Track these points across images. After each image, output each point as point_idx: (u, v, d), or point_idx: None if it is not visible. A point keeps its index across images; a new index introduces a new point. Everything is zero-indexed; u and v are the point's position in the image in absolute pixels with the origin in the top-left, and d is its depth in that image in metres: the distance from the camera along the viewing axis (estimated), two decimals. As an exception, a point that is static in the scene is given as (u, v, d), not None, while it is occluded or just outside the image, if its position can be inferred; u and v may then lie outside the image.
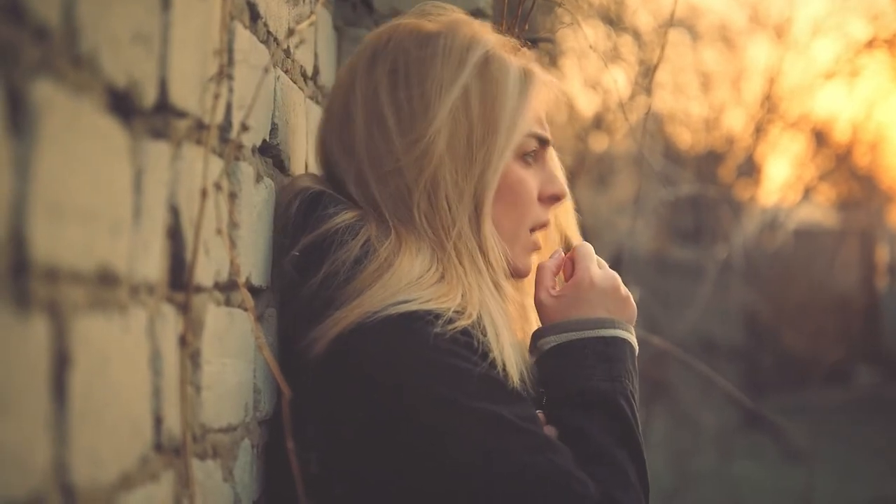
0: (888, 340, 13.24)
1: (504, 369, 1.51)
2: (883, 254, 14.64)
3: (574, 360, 1.61)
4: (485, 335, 1.52)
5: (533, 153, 1.66)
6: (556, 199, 1.69)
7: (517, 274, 1.67)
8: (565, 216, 1.77)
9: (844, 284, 12.98)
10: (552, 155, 1.73)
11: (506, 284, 1.63)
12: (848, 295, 12.82)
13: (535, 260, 1.72)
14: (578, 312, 1.64)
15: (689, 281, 7.87)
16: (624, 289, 1.68)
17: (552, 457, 1.49)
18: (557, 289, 1.68)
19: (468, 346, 1.49)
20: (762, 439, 9.03)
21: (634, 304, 1.70)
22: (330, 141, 1.66)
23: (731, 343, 10.42)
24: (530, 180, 1.65)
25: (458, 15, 1.69)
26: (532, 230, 1.68)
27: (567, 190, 1.71)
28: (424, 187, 1.59)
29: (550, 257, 1.71)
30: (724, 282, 8.18)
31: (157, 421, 1.17)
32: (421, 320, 1.48)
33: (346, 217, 1.59)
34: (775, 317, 10.83)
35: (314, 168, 1.95)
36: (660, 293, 7.58)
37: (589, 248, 1.71)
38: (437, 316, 1.48)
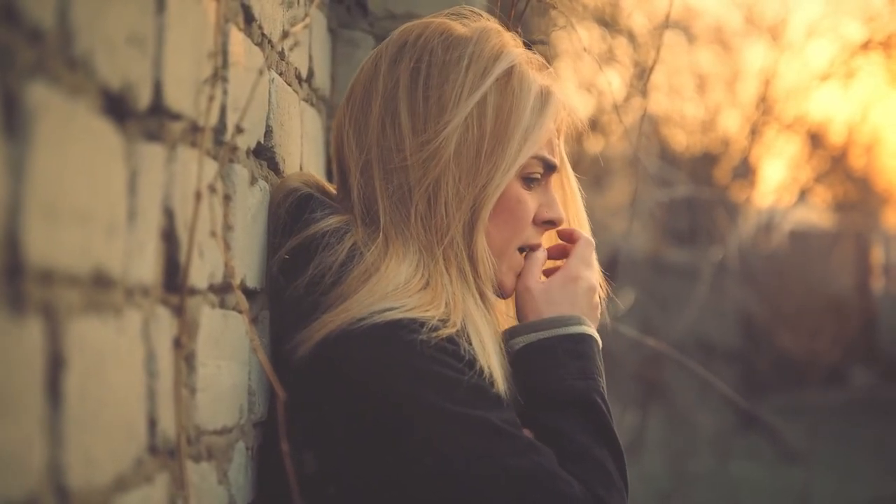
0: (884, 341, 13.26)
1: (491, 377, 1.52)
2: (878, 255, 14.66)
3: (546, 359, 1.62)
4: (470, 344, 1.53)
5: (536, 178, 1.66)
6: (551, 224, 1.69)
7: (502, 290, 1.67)
8: (576, 214, 1.76)
9: (840, 286, 12.99)
10: (568, 176, 1.74)
11: (491, 295, 1.64)
12: (843, 296, 12.83)
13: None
14: (557, 307, 1.66)
15: (685, 283, 7.87)
16: (597, 297, 1.71)
17: (538, 458, 1.51)
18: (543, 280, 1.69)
19: (454, 354, 1.50)
20: (759, 440, 9.04)
21: (600, 312, 1.72)
22: (345, 124, 1.66)
23: (727, 344, 10.43)
24: (529, 201, 1.65)
25: (490, 24, 1.68)
26: (521, 250, 1.68)
27: (564, 215, 1.70)
28: (426, 189, 1.59)
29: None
30: (719, 283, 8.18)
31: (152, 423, 1.17)
32: (406, 328, 1.48)
33: (331, 221, 1.59)
34: (771, 318, 10.83)
35: (309, 169, 1.95)
36: (656, 295, 7.58)
37: (587, 248, 1.72)
38: (422, 324, 1.49)
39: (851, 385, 12.44)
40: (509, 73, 1.62)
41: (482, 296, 1.62)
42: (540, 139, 1.63)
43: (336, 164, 1.69)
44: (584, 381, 1.60)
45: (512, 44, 1.67)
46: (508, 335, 1.66)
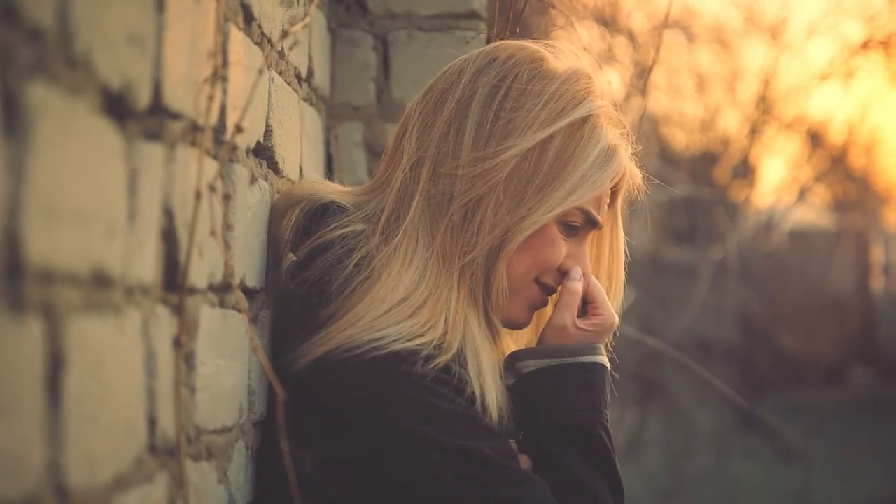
0: (883, 341, 13.26)
1: (483, 403, 1.52)
2: (878, 254, 14.67)
3: (555, 388, 1.61)
4: (465, 367, 1.53)
5: (574, 228, 1.64)
6: None
7: (510, 323, 1.66)
8: (614, 278, 1.74)
9: (840, 285, 13.00)
10: (618, 239, 1.73)
11: (497, 322, 1.63)
12: (843, 296, 12.84)
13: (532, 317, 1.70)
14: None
15: (685, 282, 7.87)
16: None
17: (531, 490, 1.51)
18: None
19: (448, 383, 1.51)
20: (758, 440, 9.04)
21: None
22: (414, 117, 1.67)
23: (726, 344, 10.43)
24: (562, 246, 1.64)
25: (583, 67, 1.68)
26: (537, 285, 1.66)
27: (588, 272, 1.67)
28: (466, 203, 1.59)
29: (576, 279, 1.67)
30: (719, 283, 8.18)
31: (152, 422, 1.17)
32: (404, 360, 1.49)
33: (346, 230, 1.59)
34: (771, 318, 10.83)
35: (309, 168, 1.95)
36: (655, 294, 7.58)
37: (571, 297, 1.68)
38: (419, 354, 1.49)
39: (851, 385, 12.44)
40: (584, 120, 1.62)
41: (488, 321, 1.62)
42: (591, 192, 1.62)
43: (389, 151, 1.69)
44: (592, 413, 1.60)
45: (598, 93, 1.66)
46: (516, 357, 1.65)
